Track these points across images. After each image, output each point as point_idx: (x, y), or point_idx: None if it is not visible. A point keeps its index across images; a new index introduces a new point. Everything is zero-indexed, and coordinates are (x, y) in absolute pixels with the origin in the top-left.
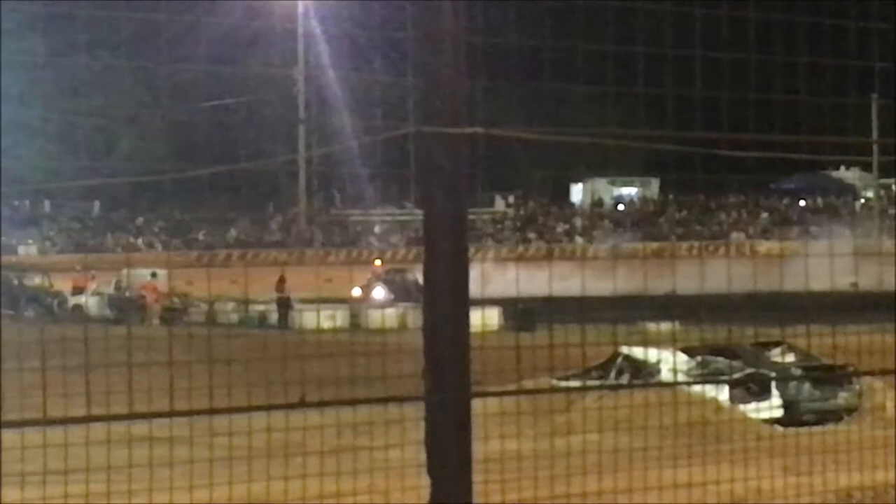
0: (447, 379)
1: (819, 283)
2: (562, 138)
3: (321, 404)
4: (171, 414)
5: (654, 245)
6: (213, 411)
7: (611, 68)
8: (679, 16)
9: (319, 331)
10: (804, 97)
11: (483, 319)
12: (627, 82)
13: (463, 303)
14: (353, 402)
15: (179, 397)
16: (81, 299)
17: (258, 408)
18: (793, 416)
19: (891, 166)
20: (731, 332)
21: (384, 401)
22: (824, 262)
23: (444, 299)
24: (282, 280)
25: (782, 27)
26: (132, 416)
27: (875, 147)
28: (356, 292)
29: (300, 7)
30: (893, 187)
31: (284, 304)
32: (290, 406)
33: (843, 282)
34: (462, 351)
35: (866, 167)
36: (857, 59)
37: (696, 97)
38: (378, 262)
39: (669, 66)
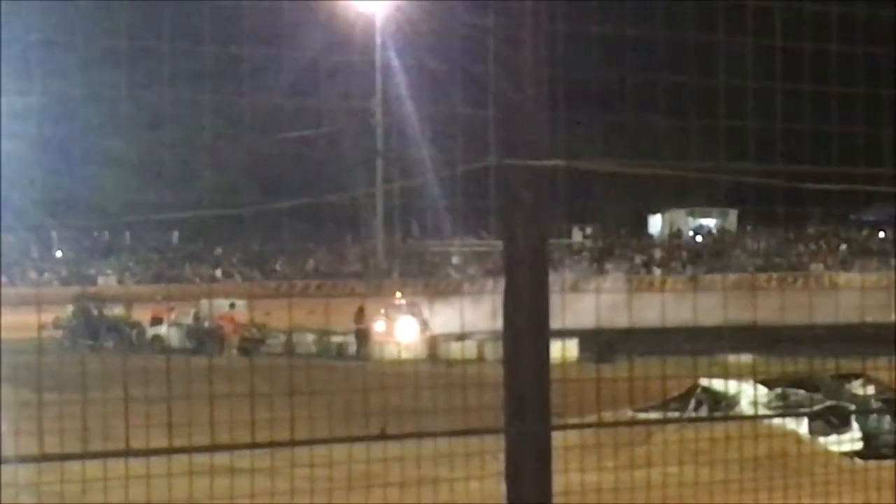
0: (527, 411)
1: None
2: (644, 170)
3: (402, 436)
4: (253, 446)
5: (733, 276)
6: (293, 443)
7: (692, 100)
8: (760, 48)
9: (399, 362)
10: (885, 129)
11: (562, 351)
12: (708, 114)
13: (543, 334)
14: (433, 434)
15: (260, 428)
16: (160, 330)
17: (339, 439)
18: (872, 448)
19: None
20: (811, 363)
21: (464, 433)
22: None
23: (524, 331)
24: (361, 311)
25: (864, 58)
26: (214, 448)
27: None
28: (380, 327)
29: (378, 39)
30: None
31: (364, 335)
32: (370, 438)
33: None
34: (542, 383)
35: None
36: None
37: (776, 128)
38: (399, 295)
39: (751, 97)
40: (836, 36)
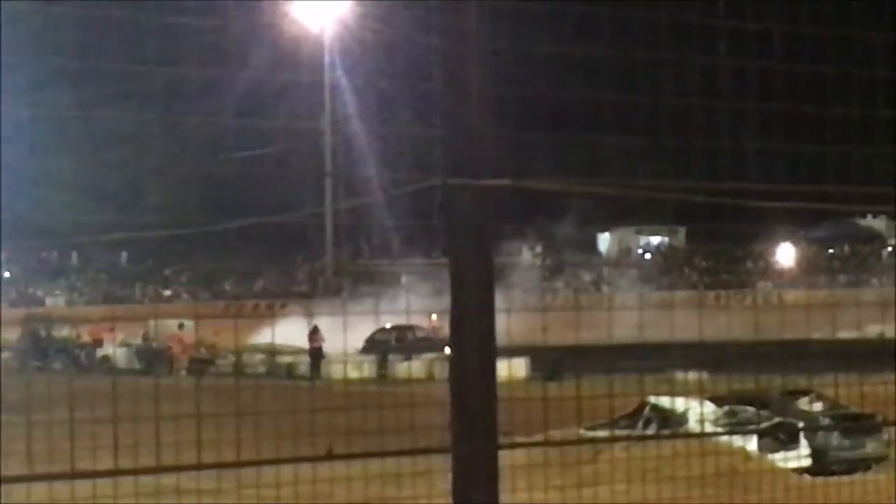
0: (474, 430)
1: (847, 332)
2: (590, 189)
3: (348, 456)
4: (199, 467)
5: (682, 294)
6: (240, 464)
7: (639, 119)
8: (706, 67)
9: (351, 381)
10: (832, 147)
11: (508, 369)
12: (655, 132)
13: (490, 354)
14: (381, 455)
15: (207, 449)
16: (109, 351)
17: (285, 460)
18: (821, 465)
19: None
20: (759, 381)
21: (411, 453)
22: (852, 310)
23: (471, 350)
24: (315, 330)
25: (810, 78)
26: (160, 470)
27: None
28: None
29: (326, 58)
30: None
31: (317, 355)
32: (317, 458)
33: (871, 330)
34: (489, 402)
35: (894, 215)
36: (886, 107)
37: (723, 147)
38: (434, 317)
39: (696, 116)
40: (781, 55)
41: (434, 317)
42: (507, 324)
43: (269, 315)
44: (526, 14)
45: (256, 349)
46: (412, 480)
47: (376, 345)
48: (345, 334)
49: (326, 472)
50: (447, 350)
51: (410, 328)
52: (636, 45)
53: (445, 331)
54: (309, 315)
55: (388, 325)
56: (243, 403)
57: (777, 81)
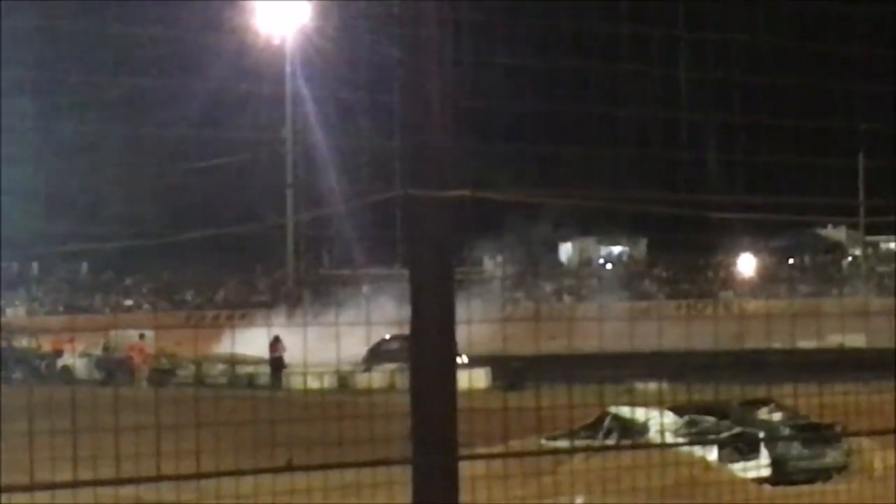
0: (434, 441)
1: (807, 342)
2: (550, 200)
3: (308, 468)
4: (159, 478)
5: (643, 304)
6: (199, 475)
7: (599, 130)
8: (665, 78)
9: (314, 391)
10: (792, 158)
11: (471, 380)
12: (616, 143)
13: (450, 364)
14: (340, 466)
15: (167, 460)
16: (70, 361)
17: (245, 472)
18: (781, 474)
19: (878, 224)
20: (719, 390)
21: (371, 464)
22: (812, 320)
23: (431, 360)
24: (276, 340)
25: (770, 90)
26: (119, 482)
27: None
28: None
29: (288, 68)
30: (881, 245)
31: (278, 365)
32: (276, 470)
33: (831, 340)
34: (449, 413)
35: (854, 225)
36: (844, 120)
37: (684, 158)
38: None
39: (658, 127)
40: (741, 66)
41: None
42: (468, 334)
43: (230, 325)
44: (487, 26)
45: (217, 359)
46: (372, 491)
47: (381, 355)
48: (305, 344)
49: (287, 484)
50: (464, 359)
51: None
52: (596, 56)
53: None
54: (270, 325)
55: (387, 336)
56: (203, 414)
57: (737, 94)
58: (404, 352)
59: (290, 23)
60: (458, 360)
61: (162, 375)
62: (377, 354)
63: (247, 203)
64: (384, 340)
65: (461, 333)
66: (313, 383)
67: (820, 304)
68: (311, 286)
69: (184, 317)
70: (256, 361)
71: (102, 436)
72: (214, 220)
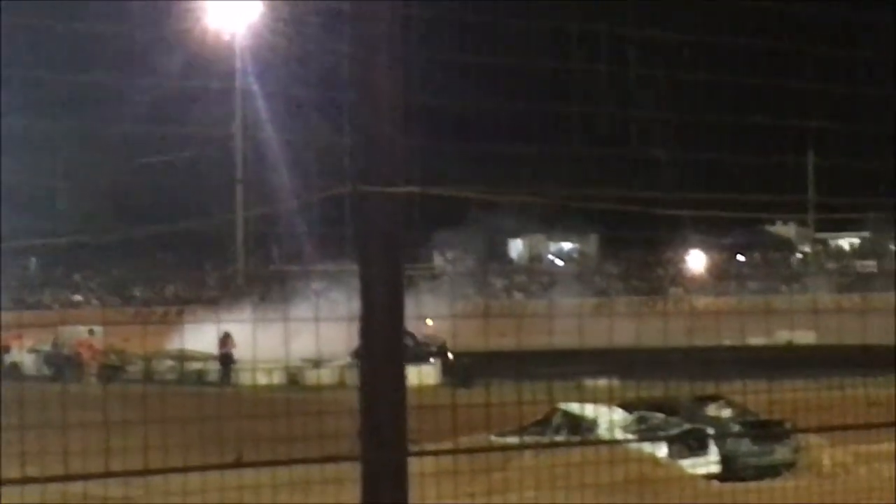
0: (383, 438)
1: (756, 339)
2: (498, 197)
3: (257, 464)
4: (106, 475)
5: (593, 300)
6: (147, 472)
7: (549, 126)
8: (615, 76)
9: (262, 388)
10: (742, 155)
11: (421, 376)
12: (566, 141)
13: (399, 360)
14: (289, 462)
15: (115, 457)
16: (18, 357)
17: (193, 468)
18: (731, 471)
19: (827, 221)
20: (669, 387)
21: (320, 461)
22: (762, 317)
23: (380, 357)
24: (226, 336)
25: (721, 87)
26: (67, 478)
27: (811, 203)
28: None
29: (238, 64)
30: (830, 242)
31: (227, 361)
32: (225, 466)
33: (780, 337)
34: (398, 409)
35: (803, 223)
36: (794, 118)
37: (635, 156)
38: (430, 322)
39: (608, 124)
40: (690, 63)
41: (430, 322)
42: (417, 330)
43: (180, 321)
44: (438, 23)
45: (166, 355)
46: (321, 488)
47: None
48: (255, 340)
49: (235, 480)
50: (450, 356)
51: (406, 334)
52: (547, 55)
53: (442, 336)
54: (219, 321)
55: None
56: (152, 410)
57: (687, 92)
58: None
59: (241, 19)
60: (448, 357)
61: (111, 372)
62: None
63: (196, 199)
64: None
65: (411, 329)
66: (263, 380)
67: (770, 301)
68: (260, 282)
69: (133, 313)
70: (206, 358)
71: (50, 432)
72: (164, 216)
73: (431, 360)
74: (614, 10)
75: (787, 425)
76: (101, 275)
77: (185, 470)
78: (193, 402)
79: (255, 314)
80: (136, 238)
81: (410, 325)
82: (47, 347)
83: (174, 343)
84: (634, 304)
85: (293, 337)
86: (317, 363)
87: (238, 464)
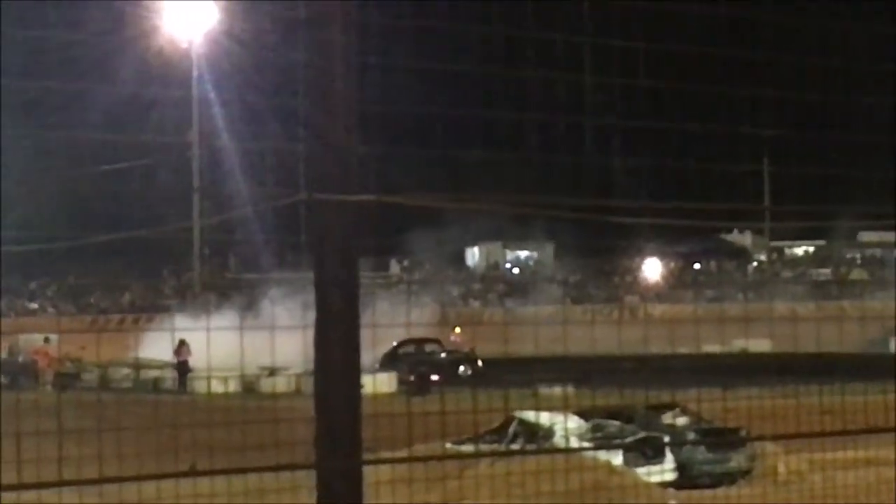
0: (339, 446)
1: (711, 346)
2: (455, 205)
3: (212, 472)
4: (61, 483)
5: (549, 308)
6: (102, 480)
7: (507, 134)
8: (570, 83)
9: (209, 395)
10: (698, 163)
11: (377, 384)
12: (523, 148)
13: (355, 368)
14: (244, 471)
15: (69, 465)
16: None
17: (148, 476)
18: (687, 479)
19: (783, 230)
20: (625, 395)
21: (275, 469)
22: (718, 325)
23: (336, 365)
24: (181, 344)
25: (675, 95)
26: (21, 487)
27: (767, 211)
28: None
29: (195, 72)
30: (786, 251)
31: (183, 369)
32: (179, 474)
33: (735, 345)
34: (354, 418)
35: (759, 231)
36: (749, 127)
37: (589, 164)
38: (458, 331)
39: (563, 133)
40: (644, 72)
41: (457, 330)
42: (373, 338)
43: (136, 329)
44: (393, 31)
45: (122, 363)
46: (277, 496)
47: (399, 359)
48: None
49: (190, 488)
50: (479, 363)
51: (434, 341)
52: (503, 63)
53: (467, 344)
54: (173, 329)
55: (395, 343)
56: (107, 418)
57: (644, 101)
58: (422, 355)
59: (198, 26)
60: (478, 363)
61: (67, 380)
62: (394, 358)
63: (153, 207)
64: (401, 344)
65: (366, 337)
66: (219, 388)
67: (725, 310)
68: (217, 290)
69: (89, 321)
70: (162, 365)
71: (4, 441)
72: (121, 223)
73: (461, 368)
74: (572, 19)
75: (743, 433)
76: (57, 283)
77: (139, 479)
78: (149, 411)
79: (212, 322)
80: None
81: (437, 333)
82: (3, 355)
83: (130, 351)
84: (591, 312)
85: (250, 345)
86: (272, 371)
87: (193, 472)
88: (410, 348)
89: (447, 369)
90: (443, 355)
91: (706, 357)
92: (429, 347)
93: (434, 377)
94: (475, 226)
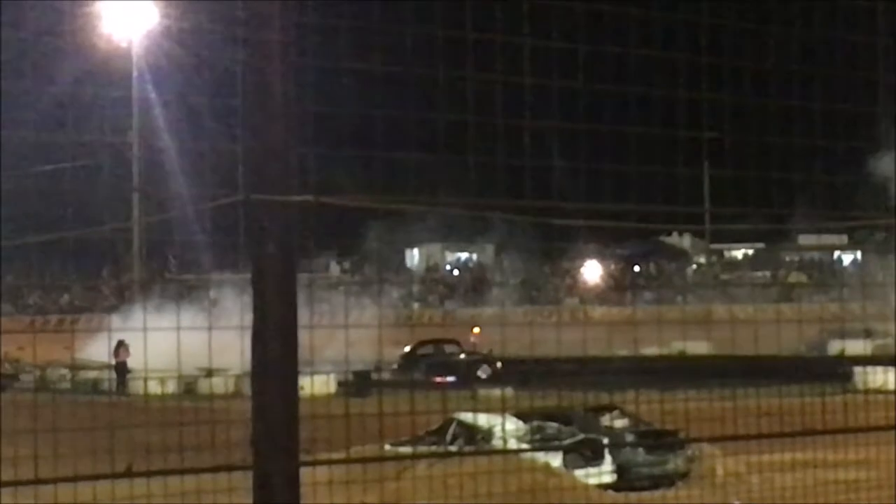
0: (276, 447)
1: (650, 349)
2: (394, 206)
3: (148, 474)
4: None
5: (489, 310)
6: (37, 481)
7: (447, 135)
8: (509, 85)
9: (147, 396)
10: (637, 165)
11: (315, 385)
12: (463, 149)
13: (292, 369)
14: (181, 472)
15: (4, 467)
16: None
17: (84, 477)
18: (626, 480)
19: (722, 232)
20: (564, 396)
21: (211, 470)
22: (656, 327)
23: (273, 366)
24: (119, 345)
25: (613, 96)
26: None
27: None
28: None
29: (135, 72)
30: (725, 253)
31: (122, 370)
32: (115, 475)
33: (675, 347)
34: (291, 418)
35: (698, 234)
36: (688, 128)
37: (528, 165)
38: (477, 331)
39: (501, 133)
40: (586, 73)
41: (476, 330)
42: (311, 340)
43: (75, 330)
44: (333, 29)
45: (61, 364)
46: (213, 498)
47: (418, 359)
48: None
49: (126, 490)
50: (499, 365)
51: (452, 342)
52: (441, 62)
53: (486, 344)
54: (112, 329)
55: (407, 348)
56: (44, 419)
57: (582, 101)
58: (441, 356)
59: (137, 26)
60: (497, 365)
61: (4, 381)
62: (414, 358)
63: (93, 207)
64: (419, 344)
65: (304, 339)
66: (157, 389)
67: (664, 312)
68: (156, 290)
69: (28, 321)
70: (101, 366)
71: None
72: (60, 223)
73: (481, 369)
74: (510, 19)
75: (681, 435)
76: None
77: (75, 479)
78: (86, 412)
79: (150, 323)
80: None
81: (456, 333)
82: None
83: (69, 352)
84: (530, 313)
85: (187, 346)
86: (210, 372)
87: (129, 473)
88: (429, 349)
89: (466, 371)
90: (461, 356)
91: (645, 359)
92: (448, 348)
93: (450, 378)
94: (416, 227)
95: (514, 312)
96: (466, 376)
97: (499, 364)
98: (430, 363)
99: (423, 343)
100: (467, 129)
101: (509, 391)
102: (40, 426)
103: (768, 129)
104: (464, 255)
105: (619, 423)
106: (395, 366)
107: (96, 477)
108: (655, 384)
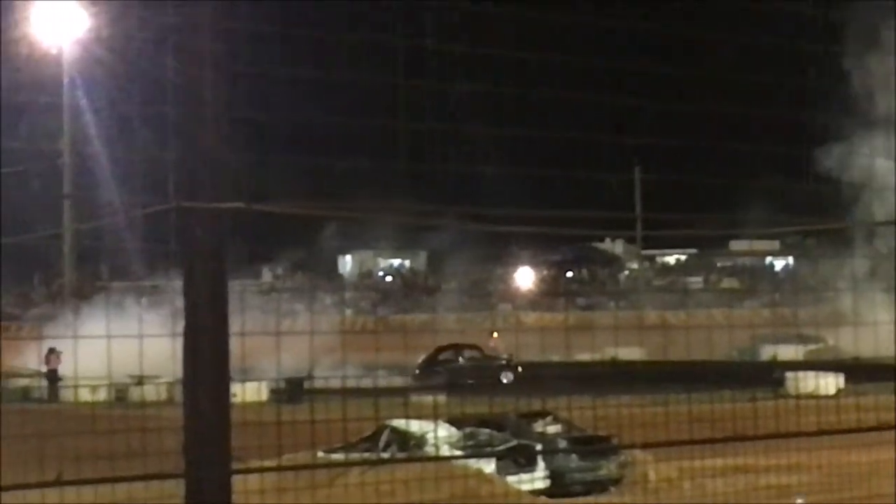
0: (207, 455)
1: (583, 354)
2: (325, 213)
3: (79, 482)
4: None
5: (422, 316)
6: None
7: (379, 142)
8: (440, 93)
9: (78, 404)
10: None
11: (247, 393)
12: (396, 155)
13: (223, 377)
14: (112, 480)
15: None
16: None
17: (11, 487)
18: (559, 486)
19: (654, 238)
20: (496, 403)
21: (144, 478)
22: (589, 333)
23: (205, 373)
24: (51, 352)
25: (548, 104)
26: None
27: (639, 220)
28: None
29: (66, 78)
30: (657, 259)
31: (53, 377)
32: (45, 485)
33: (607, 353)
34: (222, 426)
35: (631, 239)
36: (620, 134)
37: (462, 171)
38: (496, 335)
39: (434, 139)
40: (534, 80)
41: (495, 335)
42: (242, 347)
43: (5, 338)
44: (265, 37)
45: None
46: None
47: (439, 364)
48: (75, 356)
49: (56, 499)
50: (519, 370)
51: (474, 347)
52: (375, 70)
53: (505, 350)
54: (41, 337)
55: (420, 359)
56: None
57: (514, 108)
58: (462, 362)
59: (67, 31)
60: (518, 370)
61: None
62: (433, 364)
63: (24, 213)
64: (440, 350)
65: (235, 346)
66: (89, 396)
67: (596, 318)
68: (88, 298)
69: None
70: (32, 374)
71: None
72: None
73: (503, 373)
74: (443, 28)
75: (614, 441)
76: None
77: (2, 489)
78: (16, 420)
79: (81, 330)
80: None
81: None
82: None
83: (6, 360)
84: (463, 320)
85: (120, 353)
86: (141, 380)
87: (59, 482)
88: (450, 354)
89: (488, 376)
90: (481, 361)
91: (577, 365)
92: (468, 354)
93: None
94: (349, 234)
95: (447, 318)
96: (489, 382)
97: (519, 369)
98: (453, 368)
99: (442, 349)
100: (400, 136)
101: (441, 397)
102: None
103: (702, 136)
104: (396, 262)
105: (552, 428)
106: (416, 371)
107: (25, 486)
108: (588, 390)
